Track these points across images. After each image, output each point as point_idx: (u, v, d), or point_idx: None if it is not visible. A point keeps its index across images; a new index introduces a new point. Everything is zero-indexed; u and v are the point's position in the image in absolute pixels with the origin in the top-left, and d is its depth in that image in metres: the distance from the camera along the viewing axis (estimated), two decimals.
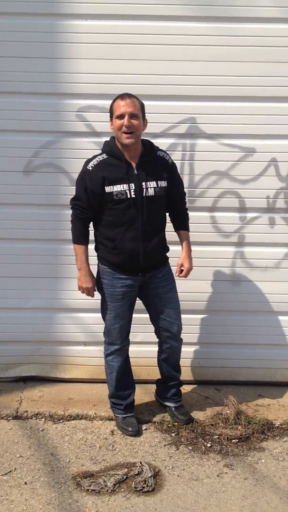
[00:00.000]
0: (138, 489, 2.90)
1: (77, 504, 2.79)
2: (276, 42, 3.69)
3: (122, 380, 3.48)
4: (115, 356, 3.42)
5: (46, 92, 3.73)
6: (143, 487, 2.91)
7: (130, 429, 3.42)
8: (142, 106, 3.15)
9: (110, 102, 3.62)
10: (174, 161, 3.40)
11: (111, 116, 3.15)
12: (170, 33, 3.67)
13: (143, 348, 3.82)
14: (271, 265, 4.01)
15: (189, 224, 3.49)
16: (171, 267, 3.45)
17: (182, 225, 3.46)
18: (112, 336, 3.38)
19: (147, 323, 3.51)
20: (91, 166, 3.16)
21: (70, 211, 3.70)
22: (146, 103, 3.23)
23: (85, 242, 3.29)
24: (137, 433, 3.42)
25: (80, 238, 3.28)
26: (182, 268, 3.43)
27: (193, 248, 3.50)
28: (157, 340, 3.57)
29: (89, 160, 3.21)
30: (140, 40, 3.68)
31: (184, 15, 3.65)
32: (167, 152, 3.41)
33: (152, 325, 3.52)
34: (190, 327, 3.98)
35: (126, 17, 3.66)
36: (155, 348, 3.61)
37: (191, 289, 3.89)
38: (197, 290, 3.96)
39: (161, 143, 3.46)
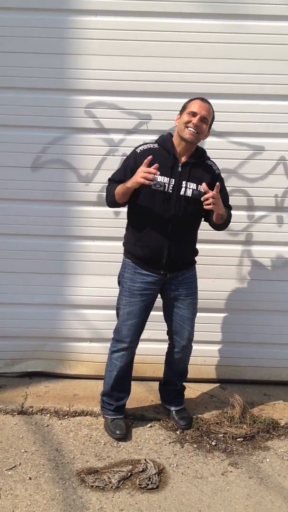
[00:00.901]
0: (142, 486, 2.90)
1: (81, 500, 2.79)
2: (286, 40, 3.67)
3: (120, 381, 3.40)
4: (121, 355, 3.36)
5: (55, 88, 3.73)
6: (148, 484, 2.91)
7: (118, 432, 3.34)
8: (213, 119, 3.15)
9: (119, 98, 3.72)
10: None
11: (182, 111, 3.10)
12: (179, 30, 3.66)
13: (150, 346, 3.82)
14: (279, 264, 3.99)
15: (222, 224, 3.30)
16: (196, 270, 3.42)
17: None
18: (121, 333, 3.32)
19: (154, 320, 3.49)
20: (140, 150, 3.14)
21: (77, 207, 3.78)
22: (154, 100, 3.25)
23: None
24: (124, 436, 3.34)
25: (115, 185, 3.13)
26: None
27: (200, 246, 3.47)
28: (164, 337, 3.55)
29: (140, 145, 3.19)
30: (149, 37, 3.67)
31: (194, 12, 3.64)
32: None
33: (159, 323, 3.51)
34: (197, 325, 3.95)
35: (136, 13, 3.65)
36: (162, 346, 3.61)
37: (198, 287, 3.88)
38: (203, 288, 3.93)
39: None
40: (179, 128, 3.09)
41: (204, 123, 3.05)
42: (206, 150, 3.78)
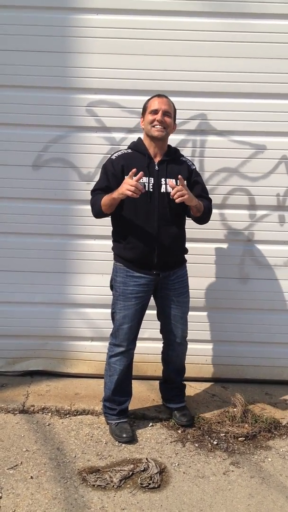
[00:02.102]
0: (144, 485, 2.90)
1: (82, 499, 2.78)
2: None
3: (121, 385, 3.39)
4: (120, 358, 3.34)
5: (56, 86, 3.73)
6: (149, 484, 2.90)
7: (124, 435, 3.30)
8: (175, 110, 3.22)
9: (120, 97, 3.69)
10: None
11: (143, 113, 3.18)
12: (181, 29, 3.66)
13: (151, 345, 3.81)
14: (280, 263, 3.99)
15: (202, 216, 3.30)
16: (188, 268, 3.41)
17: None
18: (119, 337, 3.32)
19: (155, 319, 3.49)
20: (115, 156, 3.21)
21: (79, 206, 3.75)
22: None
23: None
24: (132, 439, 3.30)
25: (100, 197, 3.14)
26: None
27: (202, 245, 3.49)
28: None
29: (114, 153, 3.26)
30: (151, 35, 3.67)
31: (195, 11, 3.64)
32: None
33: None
34: (198, 324, 3.97)
35: (138, 12, 3.65)
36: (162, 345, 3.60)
37: (200, 286, 3.88)
38: (205, 287, 3.95)
39: (171, 139, 3.43)
40: (146, 129, 3.16)
41: (167, 117, 3.12)
42: (206, 148, 3.80)
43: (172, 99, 3.59)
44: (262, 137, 3.81)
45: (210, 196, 3.59)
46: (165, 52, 3.68)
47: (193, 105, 3.75)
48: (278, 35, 3.67)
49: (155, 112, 3.10)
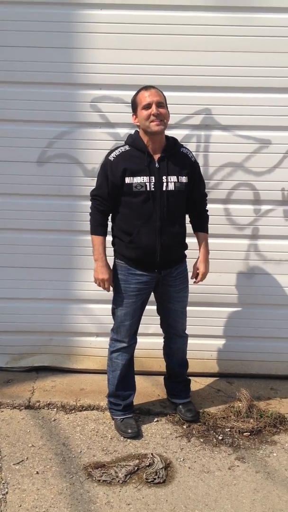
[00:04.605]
0: (149, 480, 2.91)
1: (88, 494, 2.80)
2: None
3: (124, 379, 3.40)
4: (121, 353, 3.36)
5: (60, 82, 3.72)
6: (154, 479, 2.92)
7: (129, 431, 3.31)
8: (165, 97, 3.13)
9: (125, 92, 3.65)
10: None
11: (135, 109, 3.12)
12: (185, 23, 3.64)
13: (156, 340, 3.80)
14: (285, 258, 3.98)
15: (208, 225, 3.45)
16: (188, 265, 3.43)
17: (200, 226, 3.41)
18: (120, 333, 3.33)
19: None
20: (113, 157, 3.13)
21: (83, 202, 3.71)
22: None
23: (103, 233, 3.23)
24: (137, 434, 3.31)
25: (98, 229, 3.22)
26: (197, 271, 3.41)
27: None
28: None
29: (111, 151, 3.19)
30: (155, 30, 3.65)
31: (199, 5, 3.62)
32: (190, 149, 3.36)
33: None
34: (203, 320, 3.97)
35: (141, 7, 3.63)
36: None
37: (204, 282, 3.84)
38: (210, 282, 3.92)
39: (175, 134, 3.43)
40: (143, 126, 3.08)
41: (162, 108, 3.05)
42: (210, 143, 3.78)
43: (177, 93, 3.63)
44: (266, 131, 3.78)
45: (213, 191, 3.61)
46: (169, 47, 3.66)
47: (198, 100, 3.73)
48: (282, 29, 3.64)
49: (148, 106, 3.01)
